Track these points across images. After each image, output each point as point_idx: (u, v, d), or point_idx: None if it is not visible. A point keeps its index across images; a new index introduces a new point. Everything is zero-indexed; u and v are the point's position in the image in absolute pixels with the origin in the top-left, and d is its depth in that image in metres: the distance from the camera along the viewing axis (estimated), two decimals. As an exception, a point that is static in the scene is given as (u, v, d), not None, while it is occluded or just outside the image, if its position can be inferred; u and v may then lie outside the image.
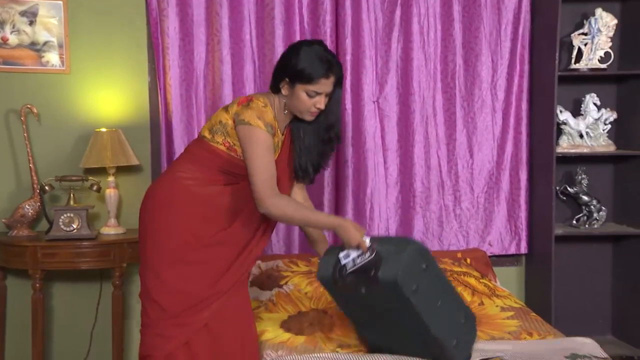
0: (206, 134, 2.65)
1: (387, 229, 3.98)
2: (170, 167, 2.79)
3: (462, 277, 3.54)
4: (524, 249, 4.08)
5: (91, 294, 3.81)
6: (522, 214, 4.06)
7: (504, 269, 4.13)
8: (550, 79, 3.81)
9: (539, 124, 3.97)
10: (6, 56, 3.65)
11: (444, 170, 4.01)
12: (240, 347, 2.70)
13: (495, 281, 3.74)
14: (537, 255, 4.04)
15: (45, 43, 3.67)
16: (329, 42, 3.80)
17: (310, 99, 2.59)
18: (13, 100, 3.67)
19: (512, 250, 4.09)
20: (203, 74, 3.78)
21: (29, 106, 3.58)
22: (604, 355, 2.71)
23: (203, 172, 2.64)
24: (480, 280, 3.56)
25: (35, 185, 3.56)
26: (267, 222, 2.73)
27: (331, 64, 2.60)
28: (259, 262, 3.57)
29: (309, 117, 2.66)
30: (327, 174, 3.87)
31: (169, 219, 2.62)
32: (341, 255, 2.39)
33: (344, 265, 2.36)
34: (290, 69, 2.58)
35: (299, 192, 2.93)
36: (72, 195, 3.53)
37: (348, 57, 3.84)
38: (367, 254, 2.36)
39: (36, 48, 3.67)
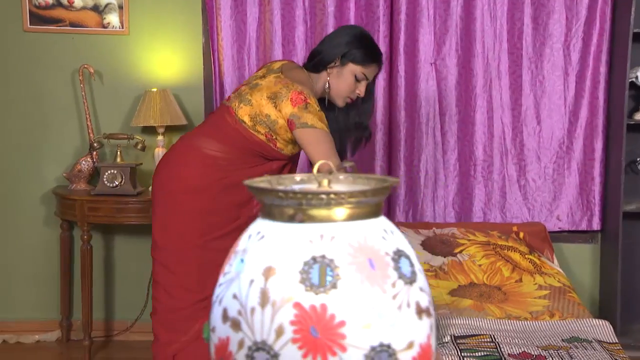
0: (246, 119, 2.48)
1: (445, 197, 3.78)
2: (193, 142, 2.57)
3: (505, 251, 3.31)
4: (596, 225, 3.73)
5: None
6: (596, 188, 3.70)
7: (577, 246, 3.81)
8: (625, 37, 3.42)
9: (616, 89, 3.59)
10: (72, 18, 3.82)
11: (508, 138, 3.74)
12: None
13: (551, 258, 3.45)
14: (609, 233, 3.68)
15: (106, 5, 3.80)
16: (382, 1, 3.64)
17: (355, 83, 2.55)
18: (78, 60, 3.81)
19: (584, 226, 3.75)
20: (255, 34, 3.76)
21: (86, 66, 3.73)
22: (613, 339, 2.44)
23: (235, 153, 2.52)
24: (526, 256, 3.31)
25: (91, 142, 3.72)
26: None
27: (381, 53, 2.61)
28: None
29: (342, 103, 2.61)
30: (379, 138, 3.73)
31: (203, 203, 2.51)
32: None
33: None
34: (347, 47, 2.53)
35: None
36: (118, 152, 3.65)
37: (402, 17, 3.65)
38: None
39: (98, 10, 3.81)
